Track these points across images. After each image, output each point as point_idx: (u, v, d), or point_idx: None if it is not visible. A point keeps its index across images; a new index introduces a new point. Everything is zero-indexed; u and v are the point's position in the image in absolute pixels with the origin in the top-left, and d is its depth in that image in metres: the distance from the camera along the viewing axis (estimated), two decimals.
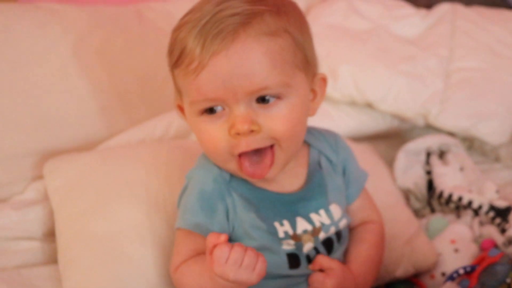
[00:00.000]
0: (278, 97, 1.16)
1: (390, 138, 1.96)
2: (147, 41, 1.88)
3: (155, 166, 1.51)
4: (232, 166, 1.21)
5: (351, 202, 1.37)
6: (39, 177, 1.66)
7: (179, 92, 1.24)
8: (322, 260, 1.26)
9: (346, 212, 1.34)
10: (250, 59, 1.13)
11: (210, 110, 1.17)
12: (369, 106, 1.87)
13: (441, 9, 2.07)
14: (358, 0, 2.07)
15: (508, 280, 1.42)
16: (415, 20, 2.04)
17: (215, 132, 1.17)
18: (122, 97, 1.80)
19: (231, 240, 1.23)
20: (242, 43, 1.12)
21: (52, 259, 1.53)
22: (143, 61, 1.85)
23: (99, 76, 1.78)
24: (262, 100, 1.15)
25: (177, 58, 1.17)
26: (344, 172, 1.36)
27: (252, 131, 1.15)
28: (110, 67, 1.80)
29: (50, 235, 1.58)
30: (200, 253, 1.22)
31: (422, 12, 2.08)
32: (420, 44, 1.95)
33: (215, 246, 1.07)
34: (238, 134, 1.15)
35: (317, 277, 1.25)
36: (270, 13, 1.15)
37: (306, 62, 1.21)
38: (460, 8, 2.07)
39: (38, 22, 1.76)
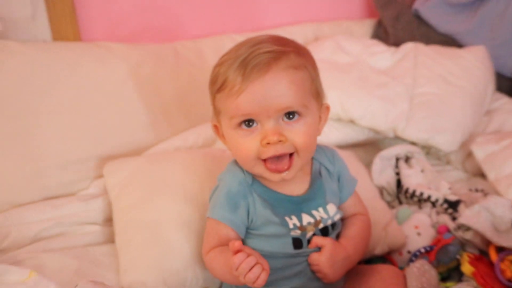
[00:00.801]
0: (299, 115, 1.18)
1: (368, 146, 1.96)
2: (182, 71, 1.87)
3: (189, 168, 1.51)
4: (258, 169, 1.22)
5: (344, 201, 1.37)
6: (100, 176, 1.66)
7: (217, 113, 1.25)
8: (317, 239, 1.26)
9: (339, 209, 1.34)
10: (280, 85, 1.16)
11: (247, 125, 1.18)
12: (352, 122, 1.87)
13: (406, 47, 2.07)
14: (343, 40, 2.07)
15: (458, 257, 1.42)
16: (387, 56, 2.04)
17: (248, 142, 1.19)
18: (165, 113, 1.80)
19: (252, 228, 1.25)
20: (274, 74, 1.15)
21: (111, 240, 1.53)
22: (179, 86, 1.85)
23: (145, 97, 1.78)
24: (287, 117, 1.17)
25: (221, 85, 1.19)
26: (338, 179, 1.36)
27: (280, 141, 1.16)
28: (154, 90, 1.80)
29: (108, 221, 1.59)
30: (225, 242, 1.23)
31: (392, 49, 2.07)
32: (391, 74, 1.95)
33: (236, 252, 1.09)
34: (268, 143, 1.16)
35: (313, 256, 1.26)
36: (293, 53, 1.19)
37: (317, 93, 1.24)
38: (421, 46, 2.06)
39: (98, 57, 1.76)
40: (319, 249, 1.27)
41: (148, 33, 1.99)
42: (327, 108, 1.30)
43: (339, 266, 1.27)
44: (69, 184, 1.66)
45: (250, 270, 1.09)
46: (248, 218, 1.25)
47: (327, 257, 1.25)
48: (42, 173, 1.62)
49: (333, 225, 1.31)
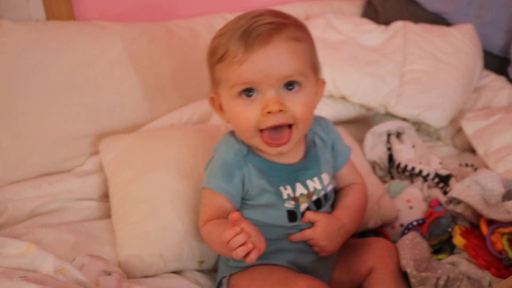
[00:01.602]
0: (299, 85, 1.17)
1: (359, 123, 1.94)
2: (175, 49, 1.85)
3: (183, 144, 1.50)
4: (256, 140, 1.20)
5: (338, 170, 1.37)
6: (95, 153, 1.66)
7: (216, 83, 1.23)
8: (309, 215, 1.26)
9: (332, 179, 1.33)
10: (282, 54, 1.15)
11: (247, 94, 1.17)
12: (343, 98, 1.86)
13: (396, 25, 2.05)
14: (333, 18, 2.05)
15: (449, 230, 1.42)
16: (377, 34, 2.02)
17: (248, 112, 1.18)
18: (159, 90, 1.78)
19: (247, 198, 1.24)
20: (276, 43, 1.15)
21: (107, 215, 1.52)
22: (173, 64, 1.82)
23: (140, 75, 1.76)
24: (288, 87, 1.17)
25: (222, 55, 1.18)
26: (332, 148, 1.35)
27: (281, 110, 1.15)
28: (148, 68, 1.78)
29: (104, 196, 1.58)
30: (220, 212, 1.22)
31: (382, 27, 2.05)
32: (381, 52, 1.93)
33: (234, 221, 1.08)
34: (269, 112, 1.15)
35: (306, 232, 1.25)
36: (294, 25, 1.19)
37: (315, 67, 1.23)
38: (410, 25, 2.05)
39: (91, 35, 1.74)
40: (312, 224, 1.26)
41: (141, 12, 1.96)
42: (323, 83, 1.29)
43: (335, 237, 1.26)
44: (65, 161, 1.65)
45: (239, 246, 1.07)
46: (243, 188, 1.24)
47: (320, 231, 1.24)
48: (37, 150, 1.61)
49: (325, 196, 1.30)
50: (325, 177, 1.29)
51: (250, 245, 1.07)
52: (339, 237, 1.27)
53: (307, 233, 1.25)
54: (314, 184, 1.27)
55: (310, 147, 1.31)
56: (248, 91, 1.17)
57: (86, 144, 1.66)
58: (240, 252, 1.07)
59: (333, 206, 1.34)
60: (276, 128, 1.18)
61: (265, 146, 1.20)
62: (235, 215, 1.08)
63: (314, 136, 1.33)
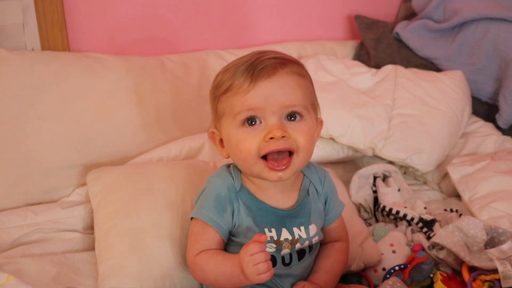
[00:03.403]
0: (301, 116, 1.20)
1: (347, 164, 1.95)
2: (167, 84, 1.86)
3: (171, 179, 1.51)
4: (258, 167, 1.21)
5: (329, 224, 1.37)
6: (83, 184, 1.65)
7: (219, 116, 1.25)
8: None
9: (320, 231, 1.33)
10: (286, 85, 1.19)
11: (250, 123, 1.19)
12: (332, 139, 1.86)
13: (386, 68, 2.07)
14: (325, 60, 2.06)
15: (431, 276, 1.42)
16: (367, 76, 2.03)
17: (250, 139, 1.19)
18: (150, 123, 1.79)
19: (233, 234, 1.26)
20: (281, 75, 1.19)
21: (90, 247, 1.51)
22: (164, 99, 1.83)
23: (130, 108, 1.77)
24: (290, 117, 1.19)
25: (227, 88, 1.21)
26: (325, 202, 1.36)
27: (283, 136, 1.17)
28: (140, 101, 1.79)
29: (88, 228, 1.57)
30: (210, 244, 1.23)
31: (373, 70, 2.07)
32: (371, 95, 1.95)
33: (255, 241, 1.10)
34: (271, 138, 1.17)
35: None
36: (296, 63, 1.25)
37: (314, 105, 1.27)
38: (400, 68, 2.07)
39: (85, 66, 1.75)
40: (289, 268, 1.27)
41: (137, 46, 1.98)
42: (321, 122, 1.32)
43: None
44: (52, 191, 1.65)
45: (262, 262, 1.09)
46: (232, 222, 1.25)
47: None
48: (25, 179, 1.61)
49: (310, 248, 1.30)
50: (312, 228, 1.29)
51: (270, 263, 1.10)
52: None
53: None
54: (300, 232, 1.27)
55: (303, 196, 1.31)
56: (251, 120, 1.20)
57: (74, 174, 1.66)
58: (261, 268, 1.09)
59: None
60: (278, 154, 1.20)
61: (267, 172, 1.20)
62: (263, 237, 1.10)
63: (309, 185, 1.33)
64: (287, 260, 1.26)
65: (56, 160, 1.64)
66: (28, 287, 1.06)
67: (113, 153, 1.72)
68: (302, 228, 1.27)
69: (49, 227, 1.54)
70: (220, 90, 1.23)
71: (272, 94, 1.18)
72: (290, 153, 1.21)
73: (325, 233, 1.37)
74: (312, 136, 1.25)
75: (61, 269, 1.39)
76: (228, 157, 1.28)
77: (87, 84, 1.72)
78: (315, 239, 1.29)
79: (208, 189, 1.28)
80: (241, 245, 1.22)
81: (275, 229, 1.25)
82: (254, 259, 1.09)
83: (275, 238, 1.24)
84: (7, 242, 1.49)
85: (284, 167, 1.20)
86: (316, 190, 1.34)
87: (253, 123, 1.19)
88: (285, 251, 1.25)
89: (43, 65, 1.69)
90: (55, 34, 1.80)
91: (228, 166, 1.31)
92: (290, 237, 1.25)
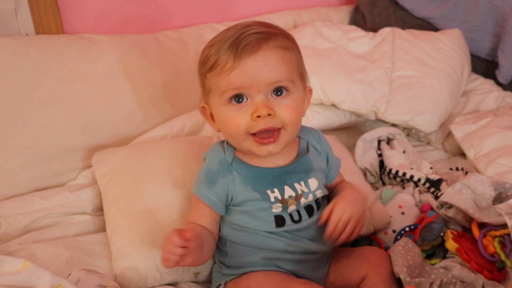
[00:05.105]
0: (287, 90, 1.21)
1: (350, 130, 1.95)
2: (165, 61, 1.86)
3: (175, 155, 1.52)
4: (247, 143, 1.23)
5: (331, 181, 1.39)
6: (88, 166, 1.66)
7: (207, 92, 1.26)
8: (323, 212, 1.27)
9: (323, 187, 1.34)
10: (271, 61, 1.19)
11: (237, 100, 1.20)
12: (333, 106, 1.86)
13: (384, 31, 2.06)
14: (322, 26, 2.06)
15: (442, 234, 1.43)
16: (365, 41, 2.03)
17: (239, 117, 1.21)
18: (150, 101, 1.79)
19: (234, 205, 1.28)
20: (264, 51, 1.19)
21: (101, 229, 1.53)
22: (163, 76, 1.83)
23: (131, 87, 1.77)
24: (276, 92, 1.20)
25: (212, 64, 1.21)
26: (327, 159, 1.37)
27: (269, 114, 1.18)
28: (138, 80, 1.78)
29: (98, 210, 1.58)
30: (202, 216, 1.28)
31: (370, 34, 2.06)
32: (370, 59, 1.94)
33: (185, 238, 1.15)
34: (258, 117, 1.18)
35: (334, 214, 1.26)
36: (282, 35, 1.23)
37: (302, 75, 1.27)
38: (398, 30, 2.06)
39: (81, 48, 1.74)
40: (300, 225, 1.27)
41: (131, 24, 1.97)
42: (310, 91, 1.32)
43: (357, 205, 1.28)
44: (57, 175, 1.66)
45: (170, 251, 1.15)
46: (227, 195, 1.27)
47: (345, 203, 1.26)
48: (30, 165, 1.62)
49: (317, 204, 1.31)
50: (312, 182, 1.30)
51: (174, 256, 1.15)
52: (359, 204, 1.29)
53: (336, 213, 1.25)
54: (301, 187, 1.28)
55: (302, 153, 1.32)
56: (237, 97, 1.20)
57: (78, 157, 1.67)
58: (164, 254, 1.16)
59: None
60: (266, 131, 1.21)
61: (257, 146, 1.22)
62: (188, 234, 1.16)
63: (307, 145, 1.35)
64: (295, 217, 1.28)
65: (59, 144, 1.65)
66: (45, 271, 1.07)
67: (115, 134, 1.72)
68: (302, 182, 1.29)
69: (58, 211, 1.54)
70: (206, 66, 1.23)
71: (256, 72, 1.18)
72: (279, 129, 1.22)
73: (330, 190, 1.38)
74: (299, 109, 1.26)
75: (73, 252, 1.40)
76: (219, 130, 1.29)
77: (85, 66, 1.71)
78: (318, 192, 1.31)
79: (203, 165, 1.31)
80: (244, 212, 1.26)
81: (277, 189, 1.26)
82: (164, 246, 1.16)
83: (280, 197, 1.26)
84: (18, 229, 1.49)
85: (272, 139, 1.22)
86: (316, 148, 1.36)
87: (241, 100, 1.20)
88: (292, 208, 1.27)
89: (38, 49, 1.68)
90: (48, 17, 1.78)
91: (223, 141, 1.34)
92: (293, 194, 1.27)
